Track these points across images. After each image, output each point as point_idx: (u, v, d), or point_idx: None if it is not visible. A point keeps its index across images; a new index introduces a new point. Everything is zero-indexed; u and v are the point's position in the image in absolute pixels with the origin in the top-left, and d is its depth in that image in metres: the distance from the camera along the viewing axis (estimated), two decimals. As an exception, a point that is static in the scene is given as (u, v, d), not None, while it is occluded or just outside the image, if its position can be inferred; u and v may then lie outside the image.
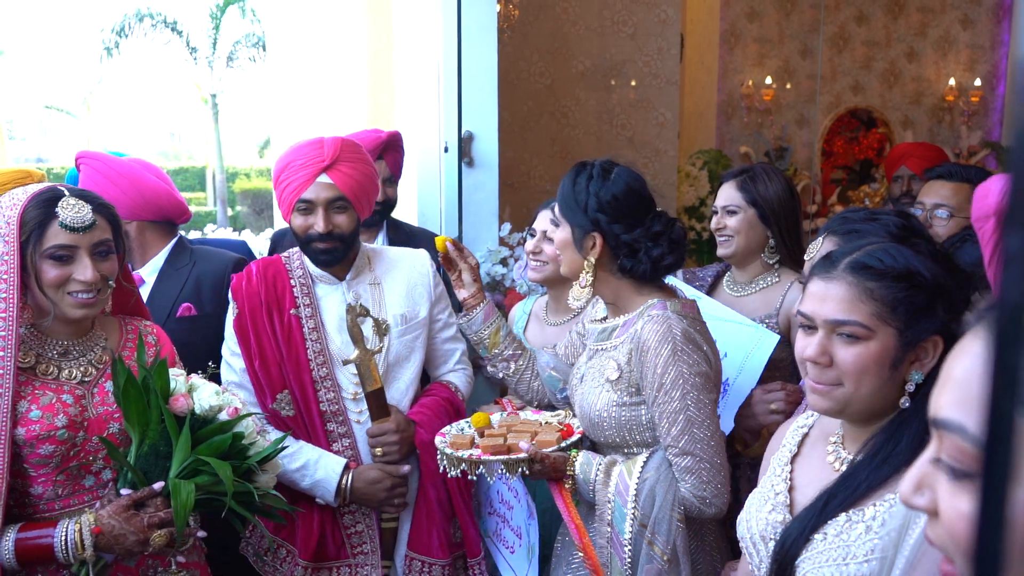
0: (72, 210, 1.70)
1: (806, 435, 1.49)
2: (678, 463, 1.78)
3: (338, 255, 2.22)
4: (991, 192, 1.53)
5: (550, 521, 2.42)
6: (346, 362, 2.16)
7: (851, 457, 1.33)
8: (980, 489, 0.31)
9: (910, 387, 1.27)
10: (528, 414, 2.15)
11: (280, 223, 4.67)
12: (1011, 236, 0.28)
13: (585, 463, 1.87)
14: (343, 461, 2.18)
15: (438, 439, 2.01)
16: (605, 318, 1.99)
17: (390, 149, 2.88)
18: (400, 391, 2.29)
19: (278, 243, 2.92)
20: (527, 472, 1.87)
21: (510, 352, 2.26)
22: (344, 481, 2.16)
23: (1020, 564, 0.57)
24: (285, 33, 4.65)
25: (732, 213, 2.46)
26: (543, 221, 2.48)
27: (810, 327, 1.32)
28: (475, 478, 1.91)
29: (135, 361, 1.75)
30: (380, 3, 3.66)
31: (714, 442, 1.79)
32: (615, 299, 1.93)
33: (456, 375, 2.43)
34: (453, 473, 1.93)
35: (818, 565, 1.25)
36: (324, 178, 2.15)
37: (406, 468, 2.23)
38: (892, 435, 1.27)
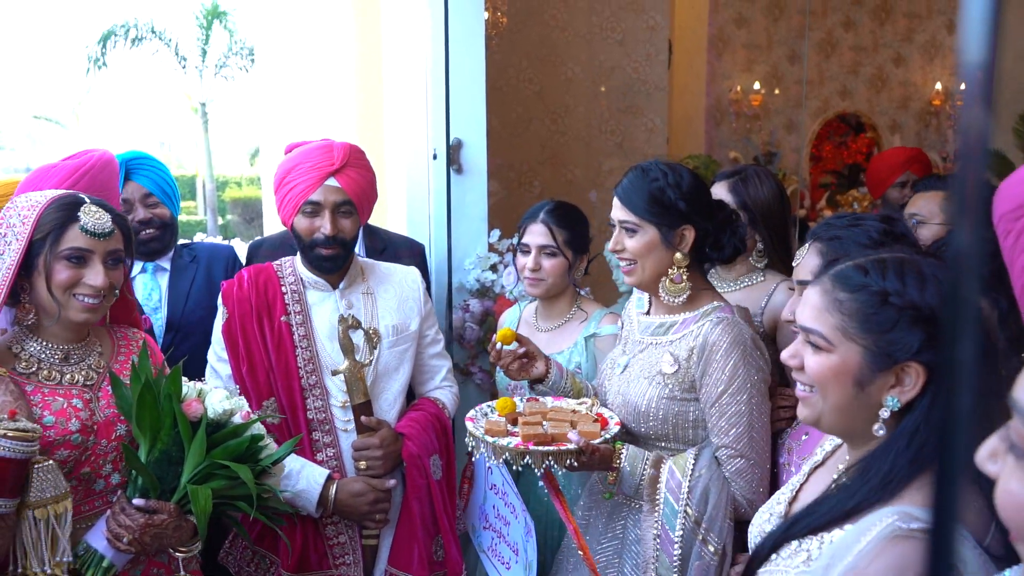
0: (94, 216, 1.74)
1: (838, 447, 1.42)
2: (732, 464, 1.81)
3: (339, 261, 2.23)
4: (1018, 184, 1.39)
5: (546, 532, 2.42)
6: (335, 373, 2.16)
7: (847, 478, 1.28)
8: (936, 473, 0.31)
9: (884, 412, 1.19)
10: (549, 401, 2.08)
11: (267, 231, 4.65)
12: (960, 233, 0.29)
13: (632, 456, 1.85)
14: (326, 472, 2.16)
15: (470, 425, 1.93)
16: (648, 312, 2.01)
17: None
18: (388, 402, 2.28)
19: (255, 252, 2.89)
20: (575, 464, 1.81)
21: (592, 392, 2.22)
22: (328, 492, 2.14)
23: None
24: (273, 41, 4.65)
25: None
26: (536, 236, 2.43)
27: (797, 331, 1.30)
28: (520, 469, 1.85)
29: (138, 369, 1.74)
30: (368, 11, 3.67)
31: (767, 447, 1.84)
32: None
33: (443, 392, 2.43)
34: (492, 463, 1.87)
35: None
36: (332, 181, 2.16)
37: (391, 482, 2.22)
38: (865, 469, 1.20)
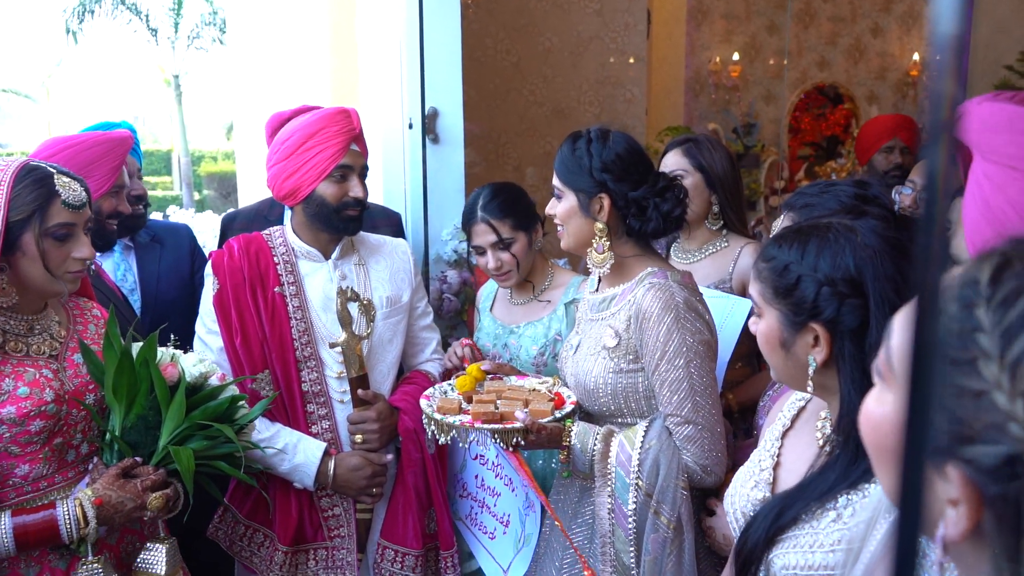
0: (70, 188, 1.70)
1: (802, 408, 1.46)
2: (680, 432, 1.78)
3: (362, 222, 2.25)
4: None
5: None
6: (333, 345, 2.14)
7: (837, 438, 1.31)
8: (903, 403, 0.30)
9: (809, 371, 1.27)
10: (513, 379, 2.09)
11: (243, 206, 4.59)
12: (930, 158, 0.28)
13: (582, 432, 1.84)
14: (323, 445, 2.15)
15: (423, 402, 1.95)
16: (597, 289, 1.98)
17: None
18: (382, 374, 2.28)
19: (228, 225, 2.83)
20: (522, 443, 1.82)
21: None
22: (327, 467, 2.13)
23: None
24: (246, 12, 4.56)
25: (679, 179, 2.48)
26: (483, 236, 2.38)
27: None
28: (466, 446, 1.86)
29: (112, 337, 1.74)
30: (342, -21, 3.60)
31: (715, 410, 1.80)
32: (617, 266, 1.91)
33: (434, 365, 2.43)
34: (443, 440, 1.87)
35: (785, 550, 1.24)
36: (354, 146, 2.19)
37: (388, 456, 2.22)
38: (848, 436, 1.23)
